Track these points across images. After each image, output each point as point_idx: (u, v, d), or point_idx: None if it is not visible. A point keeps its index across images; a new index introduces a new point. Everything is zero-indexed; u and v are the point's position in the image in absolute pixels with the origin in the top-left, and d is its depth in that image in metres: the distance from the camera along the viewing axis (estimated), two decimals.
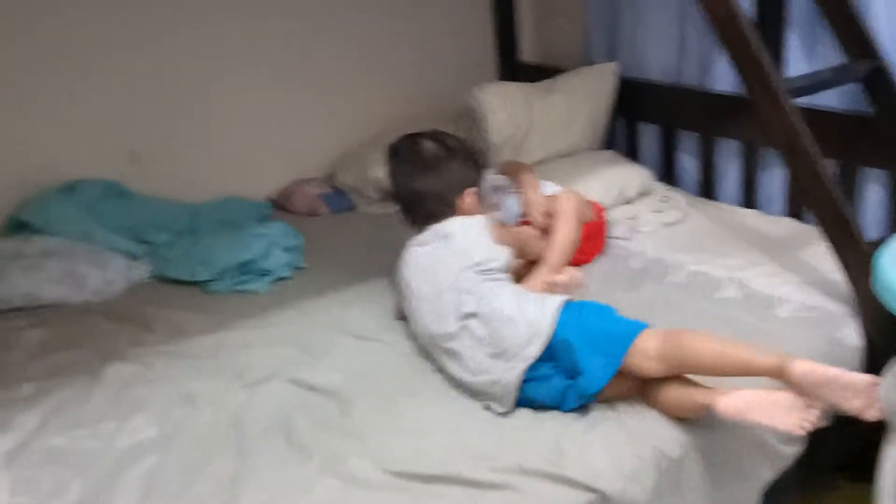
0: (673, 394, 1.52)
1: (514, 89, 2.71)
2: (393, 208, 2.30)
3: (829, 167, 1.82)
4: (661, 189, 2.57)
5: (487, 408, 1.59)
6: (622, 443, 1.48)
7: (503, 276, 1.78)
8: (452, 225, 1.85)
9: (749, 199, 2.49)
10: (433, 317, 1.71)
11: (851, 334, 1.83)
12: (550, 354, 1.57)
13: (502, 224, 2.05)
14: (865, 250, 1.77)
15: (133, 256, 2.31)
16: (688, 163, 2.67)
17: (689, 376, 1.54)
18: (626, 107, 2.78)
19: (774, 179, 2.42)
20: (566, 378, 1.55)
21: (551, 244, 2.00)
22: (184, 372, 1.78)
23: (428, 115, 2.81)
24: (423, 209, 1.90)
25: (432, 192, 1.89)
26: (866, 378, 1.41)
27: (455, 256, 1.77)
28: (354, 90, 2.89)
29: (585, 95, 2.73)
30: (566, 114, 2.71)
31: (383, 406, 1.62)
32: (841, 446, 1.89)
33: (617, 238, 2.31)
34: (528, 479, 1.40)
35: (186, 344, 1.90)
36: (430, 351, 1.75)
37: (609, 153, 2.73)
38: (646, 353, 1.51)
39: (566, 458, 1.43)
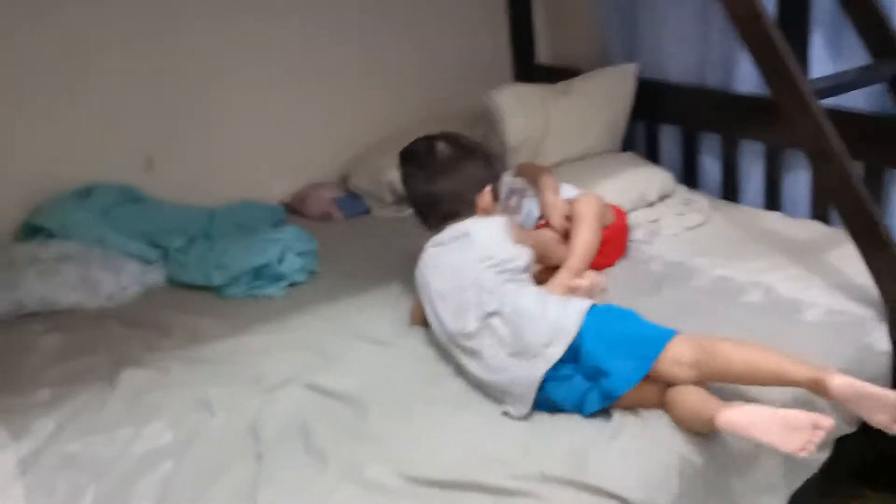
0: (684, 405, 1.48)
1: (531, 91, 2.70)
2: (407, 212, 2.30)
3: (856, 169, 1.78)
4: (683, 192, 2.54)
5: (506, 414, 1.57)
6: (646, 450, 1.45)
7: (525, 277, 1.77)
8: (472, 225, 1.84)
9: (773, 201, 2.45)
10: (453, 315, 1.70)
11: (880, 339, 1.80)
12: (573, 356, 1.55)
13: (521, 227, 2.03)
14: (894, 253, 1.73)
15: (147, 261, 2.31)
16: (710, 165, 2.64)
17: (701, 388, 1.51)
18: (646, 108, 2.75)
19: (799, 182, 2.39)
20: (587, 380, 1.53)
21: (572, 248, 1.98)
22: (200, 377, 1.77)
23: (443, 118, 2.79)
24: (441, 210, 1.89)
25: (451, 192, 1.87)
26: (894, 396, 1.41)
27: (475, 255, 1.76)
28: (369, 93, 2.88)
29: (604, 97, 2.71)
30: (584, 116, 2.68)
31: (401, 411, 1.60)
32: (864, 455, 1.85)
33: (638, 241, 2.28)
34: (550, 487, 1.37)
35: (202, 349, 1.89)
36: (449, 351, 1.73)
37: (628, 155, 2.71)
38: (679, 359, 1.49)
39: (588, 465, 1.41)
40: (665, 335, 1.52)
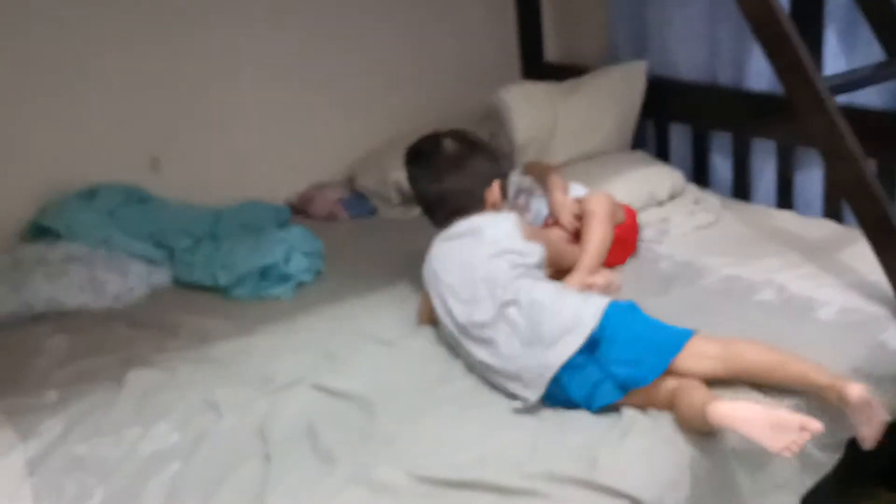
0: (687, 404, 1.47)
1: (539, 89, 2.68)
2: (414, 212, 2.29)
3: (871, 167, 1.76)
4: (694, 190, 2.52)
5: (515, 399, 1.57)
6: (656, 449, 1.44)
7: (539, 273, 1.78)
8: (482, 220, 1.84)
9: (785, 200, 2.43)
10: (467, 306, 1.71)
11: (893, 337, 1.78)
12: (588, 347, 1.57)
13: (531, 225, 2.02)
14: None
15: (154, 262, 2.30)
16: (721, 164, 2.61)
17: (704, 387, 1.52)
18: (656, 106, 2.73)
19: (812, 180, 2.36)
20: (600, 371, 1.54)
21: (585, 246, 1.98)
22: (207, 378, 1.77)
23: (450, 117, 2.78)
24: (449, 207, 1.89)
25: (459, 188, 1.87)
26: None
27: (486, 251, 1.76)
28: (375, 93, 2.88)
29: (613, 95, 2.69)
30: (593, 114, 2.67)
31: (408, 412, 1.59)
32: (879, 455, 1.83)
33: (648, 241, 2.26)
34: (560, 486, 1.36)
35: (209, 350, 1.89)
36: (459, 342, 1.73)
37: (638, 154, 2.69)
38: (704, 352, 1.54)
39: (599, 465, 1.39)
40: (685, 333, 1.57)
